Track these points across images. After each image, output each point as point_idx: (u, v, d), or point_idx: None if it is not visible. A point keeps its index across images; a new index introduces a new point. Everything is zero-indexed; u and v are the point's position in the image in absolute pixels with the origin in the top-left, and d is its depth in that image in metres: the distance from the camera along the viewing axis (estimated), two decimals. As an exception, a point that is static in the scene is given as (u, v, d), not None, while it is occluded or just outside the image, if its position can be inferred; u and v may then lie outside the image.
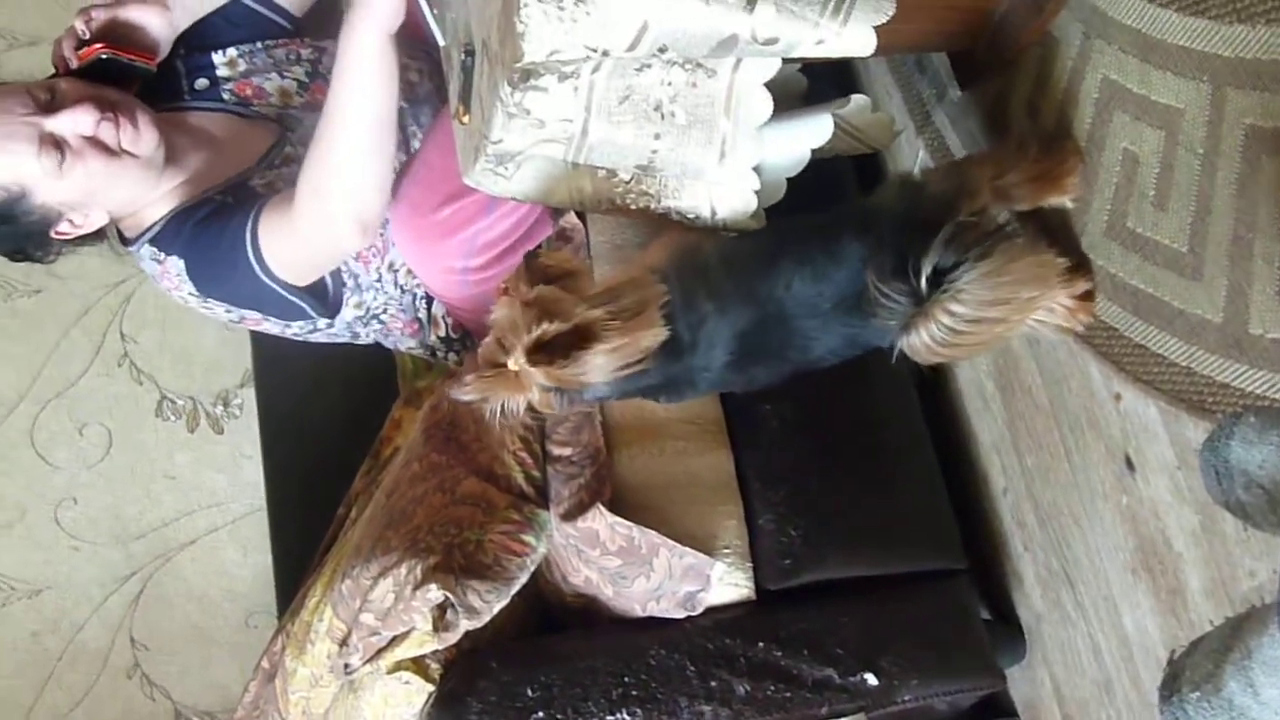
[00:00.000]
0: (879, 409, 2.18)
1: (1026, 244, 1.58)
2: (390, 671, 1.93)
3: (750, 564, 2.04)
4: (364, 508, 2.18)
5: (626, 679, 1.92)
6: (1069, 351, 1.83)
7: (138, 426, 3.03)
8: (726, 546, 2.01)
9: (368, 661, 1.92)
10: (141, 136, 1.95)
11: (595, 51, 1.38)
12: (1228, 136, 1.42)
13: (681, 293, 1.52)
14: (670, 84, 1.49)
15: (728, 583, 2.00)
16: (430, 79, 2.30)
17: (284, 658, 2.08)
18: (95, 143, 1.92)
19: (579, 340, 1.40)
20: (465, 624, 1.86)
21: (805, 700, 1.93)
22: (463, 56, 1.62)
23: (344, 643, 1.96)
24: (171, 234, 2.08)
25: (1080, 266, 1.69)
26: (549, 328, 1.38)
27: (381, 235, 2.19)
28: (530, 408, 1.48)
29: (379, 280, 2.22)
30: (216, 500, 3.03)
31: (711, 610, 2.00)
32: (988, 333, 1.53)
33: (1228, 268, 1.45)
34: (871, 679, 1.95)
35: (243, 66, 2.19)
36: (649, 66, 1.46)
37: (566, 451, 2.01)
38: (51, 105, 1.91)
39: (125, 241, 2.13)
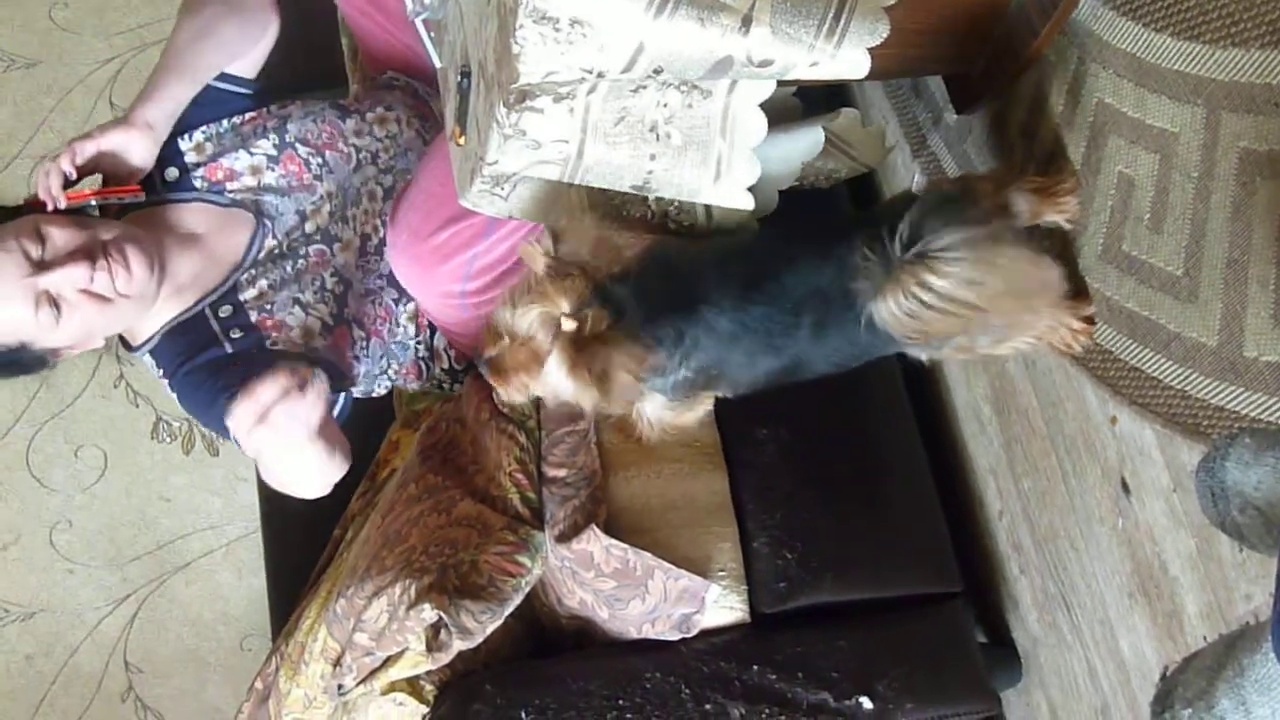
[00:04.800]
0: (875, 432, 2.18)
1: (1027, 242, 1.56)
2: (384, 693, 1.93)
3: (745, 587, 2.04)
4: (360, 529, 2.18)
5: (621, 702, 1.92)
6: (1065, 374, 1.83)
7: (133, 449, 3.02)
8: (722, 569, 2.01)
9: (361, 682, 1.91)
10: (135, 277, 1.93)
11: (591, 73, 1.38)
12: (1222, 160, 1.42)
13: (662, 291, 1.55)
14: (666, 105, 1.49)
15: (723, 606, 2.00)
16: (409, 124, 2.31)
17: (278, 679, 2.07)
18: (90, 294, 1.91)
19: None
20: (458, 644, 1.85)
21: (800, 724, 1.93)
22: (459, 78, 1.63)
23: (338, 663, 1.96)
24: (169, 358, 2.08)
25: (1082, 291, 1.69)
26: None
27: (385, 306, 2.22)
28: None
29: (383, 356, 2.24)
30: (212, 523, 3.02)
31: (706, 633, 2.00)
32: (962, 317, 1.49)
33: (1223, 291, 1.45)
34: (867, 703, 1.94)
35: (210, 149, 2.14)
36: (645, 88, 1.47)
37: (562, 473, 2.01)
38: (44, 261, 1.88)
39: (127, 347, 2.14)
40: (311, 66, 2.46)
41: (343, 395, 2.08)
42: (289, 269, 2.12)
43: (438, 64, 1.81)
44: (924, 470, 2.21)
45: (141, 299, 1.97)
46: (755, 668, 1.96)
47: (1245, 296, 1.41)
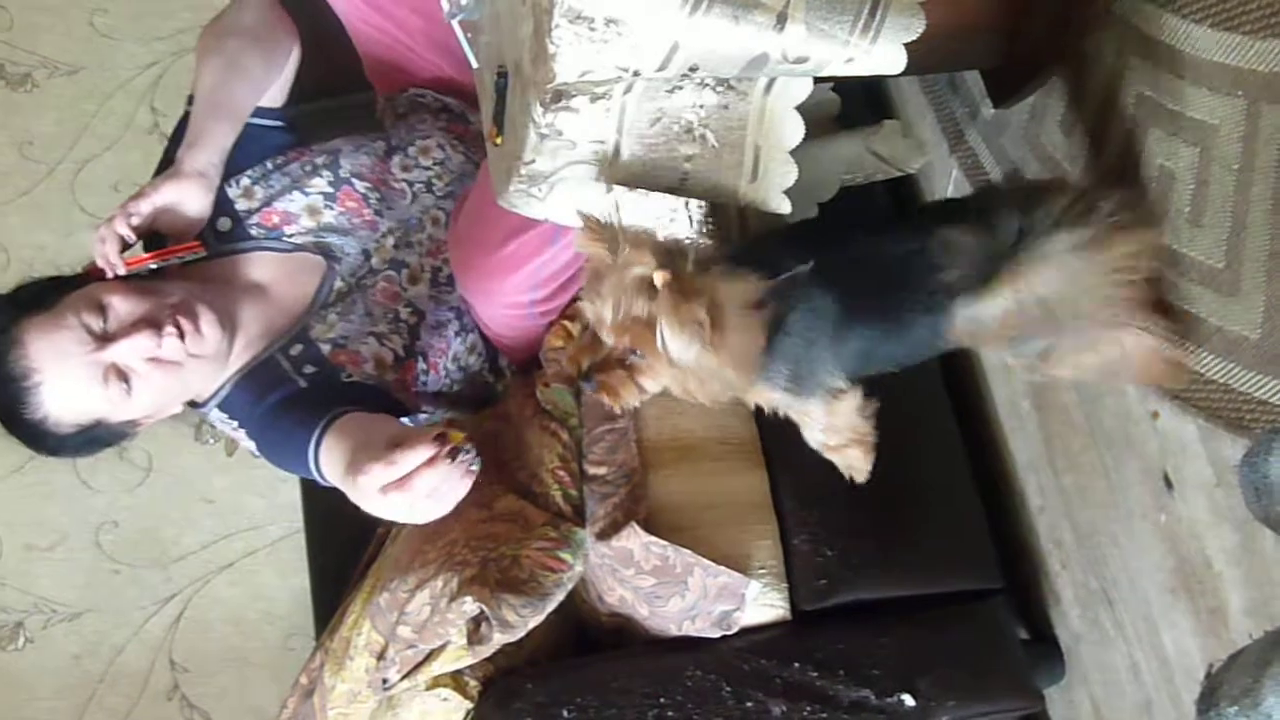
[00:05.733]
0: (914, 428, 2.17)
1: (1130, 228, 1.50)
2: (429, 688, 1.94)
3: (785, 584, 2.04)
4: (404, 525, 2.19)
5: (662, 700, 1.92)
6: (1105, 369, 1.82)
7: (177, 450, 3.04)
8: (761, 567, 2.01)
9: (405, 676, 1.92)
10: (205, 337, 1.88)
11: (626, 72, 1.39)
12: (1262, 152, 1.41)
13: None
14: (702, 106, 1.49)
15: (762, 603, 2.00)
16: (453, 147, 2.26)
17: (322, 674, 2.09)
18: (159, 361, 1.85)
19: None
20: (499, 637, 1.85)
21: (841, 722, 1.92)
22: (496, 79, 1.63)
23: (381, 656, 1.96)
24: (241, 404, 2.02)
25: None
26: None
27: (446, 339, 2.18)
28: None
29: (446, 377, 2.20)
30: (255, 523, 3.04)
31: (746, 631, 2.00)
32: (1059, 320, 1.45)
33: (1264, 283, 1.44)
34: (908, 700, 1.94)
35: (260, 194, 2.07)
36: (680, 88, 1.47)
37: (602, 471, 2.01)
38: (107, 334, 1.82)
39: (194, 405, 2.06)
40: (329, 71, 2.40)
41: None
42: (360, 304, 2.09)
43: (474, 65, 1.82)
44: (963, 466, 2.20)
45: (215, 359, 1.92)
46: (796, 665, 1.95)
47: (1287, 289, 1.40)
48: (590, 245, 1.42)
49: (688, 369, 1.37)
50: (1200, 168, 1.52)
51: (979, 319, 1.48)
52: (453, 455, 1.51)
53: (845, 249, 1.52)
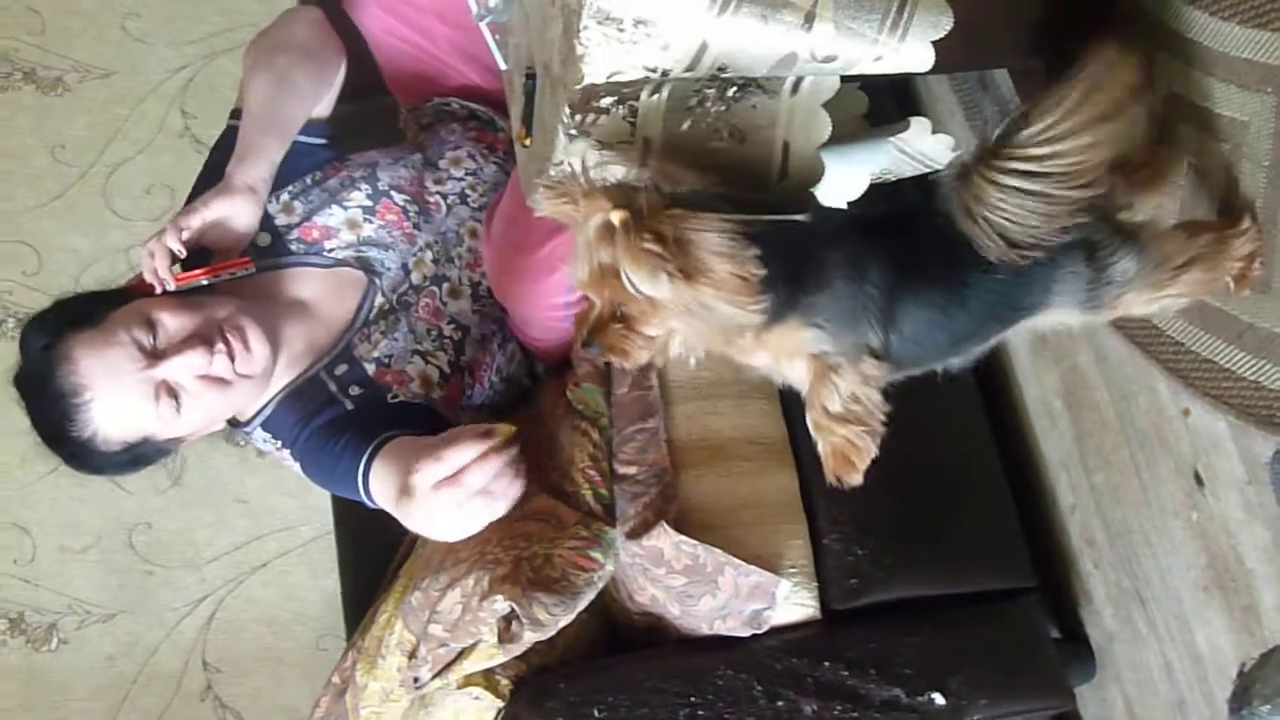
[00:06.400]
0: (946, 427, 2.17)
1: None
2: (461, 687, 1.95)
3: (816, 583, 2.04)
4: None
5: (693, 699, 1.92)
6: (1136, 368, 1.81)
7: (209, 451, 3.06)
8: (792, 566, 2.01)
9: (436, 675, 1.92)
10: (254, 355, 1.86)
11: (655, 73, 1.39)
12: (1293, 148, 1.41)
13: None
14: (730, 105, 1.49)
15: (793, 602, 2.00)
16: (484, 157, 2.25)
17: (355, 673, 2.10)
18: (209, 379, 1.83)
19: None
20: (530, 636, 1.86)
21: (872, 720, 1.92)
22: (525, 80, 1.64)
23: (413, 655, 1.97)
24: (286, 425, 2.01)
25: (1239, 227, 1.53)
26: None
27: (490, 353, 2.17)
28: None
29: (490, 389, 2.19)
30: (287, 524, 3.05)
31: (778, 630, 2.00)
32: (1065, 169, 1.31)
33: (1296, 280, 1.44)
34: (939, 699, 1.94)
35: (300, 209, 2.05)
36: (709, 87, 1.47)
37: (632, 470, 2.02)
38: (158, 350, 1.80)
39: (235, 424, 2.04)
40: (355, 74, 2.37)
41: None
42: (403, 322, 2.08)
43: (503, 66, 1.83)
44: (995, 465, 2.20)
45: (262, 377, 1.91)
46: (827, 664, 1.96)
47: (1319, 285, 1.40)
48: (554, 207, 1.39)
49: (680, 305, 1.30)
50: (1231, 165, 1.52)
51: (972, 231, 1.37)
52: (503, 449, 1.52)
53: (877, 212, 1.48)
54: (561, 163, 1.52)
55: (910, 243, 1.45)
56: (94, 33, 3.42)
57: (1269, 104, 1.43)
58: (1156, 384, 1.78)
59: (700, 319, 1.32)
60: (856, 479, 1.42)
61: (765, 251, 1.30)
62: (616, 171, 1.51)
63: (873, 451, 1.42)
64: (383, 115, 2.46)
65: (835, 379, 1.39)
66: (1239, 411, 1.57)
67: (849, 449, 1.42)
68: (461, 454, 1.51)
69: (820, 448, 1.44)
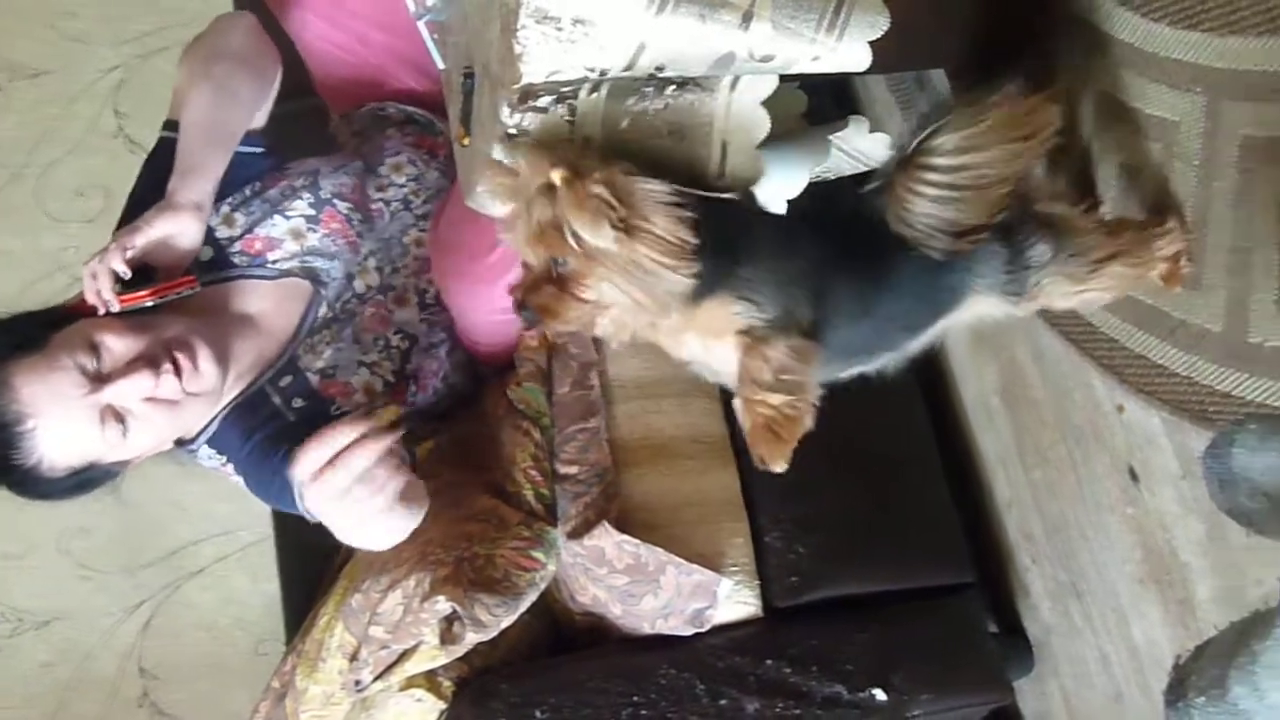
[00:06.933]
0: (885, 424, 2.19)
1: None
2: (403, 689, 1.94)
3: (758, 581, 2.05)
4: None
5: (636, 699, 1.92)
6: (1072, 364, 1.83)
7: (146, 456, 3.03)
8: (734, 564, 2.02)
9: (378, 678, 1.91)
10: (203, 374, 1.81)
11: (594, 72, 1.39)
12: (1224, 148, 1.43)
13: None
14: (669, 104, 1.50)
15: (736, 600, 2.01)
16: (425, 163, 2.22)
17: (295, 677, 2.08)
18: (157, 401, 1.78)
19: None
20: (472, 636, 1.85)
21: (815, 717, 1.93)
22: (463, 79, 1.63)
23: (354, 658, 1.96)
24: (230, 440, 1.96)
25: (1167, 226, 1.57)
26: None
27: (439, 359, 2.16)
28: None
29: (434, 395, 2.17)
30: (225, 528, 3.02)
31: (720, 629, 2.01)
32: (975, 189, 1.38)
33: (1226, 277, 1.46)
34: (880, 695, 1.95)
35: (241, 221, 2.00)
36: (648, 86, 1.47)
37: (574, 470, 2.01)
38: (102, 374, 1.75)
39: (180, 444, 1.97)
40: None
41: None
42: (348, 331, 2.05)
43: (441, 66, 1.82)
44: (934, 461, 2.22)
45: (211, 395, 1.87)
46: (769, 662, 1.96)
47: (1249, 283, 1.42)
48: (498, 185, 1.40)
49: (617, 262, 1.29)
50: (1162, 164, 1.54)
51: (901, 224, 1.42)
52: (383, 433, 1.47)
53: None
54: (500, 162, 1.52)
55: (838, 226, 1.49)
56: (25, 31, 3.37)
57: (1199, 104, 1.45)
58: (1092, 380, 1.80)
59: (633, 281, 1.31)
60: (782, 461, 1.38)
61: (699, 221, 1.31)
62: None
63: (806, 425, 1.37)
64: (311, 117, 2.42)
65: (766, 350, 1.37)
66: (1172, 407, 1.59)
67: (779, 422, 1.37)
68: (337, 437, 1.46)
69: (745, 424, 1.40)
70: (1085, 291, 1.54)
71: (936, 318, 1.54)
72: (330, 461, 1.46)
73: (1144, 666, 1.84)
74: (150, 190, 1.90)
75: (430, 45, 1.82)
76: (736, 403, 1.41)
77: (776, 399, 1.36)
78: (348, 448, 1.46)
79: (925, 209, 1.39)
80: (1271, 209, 1.37)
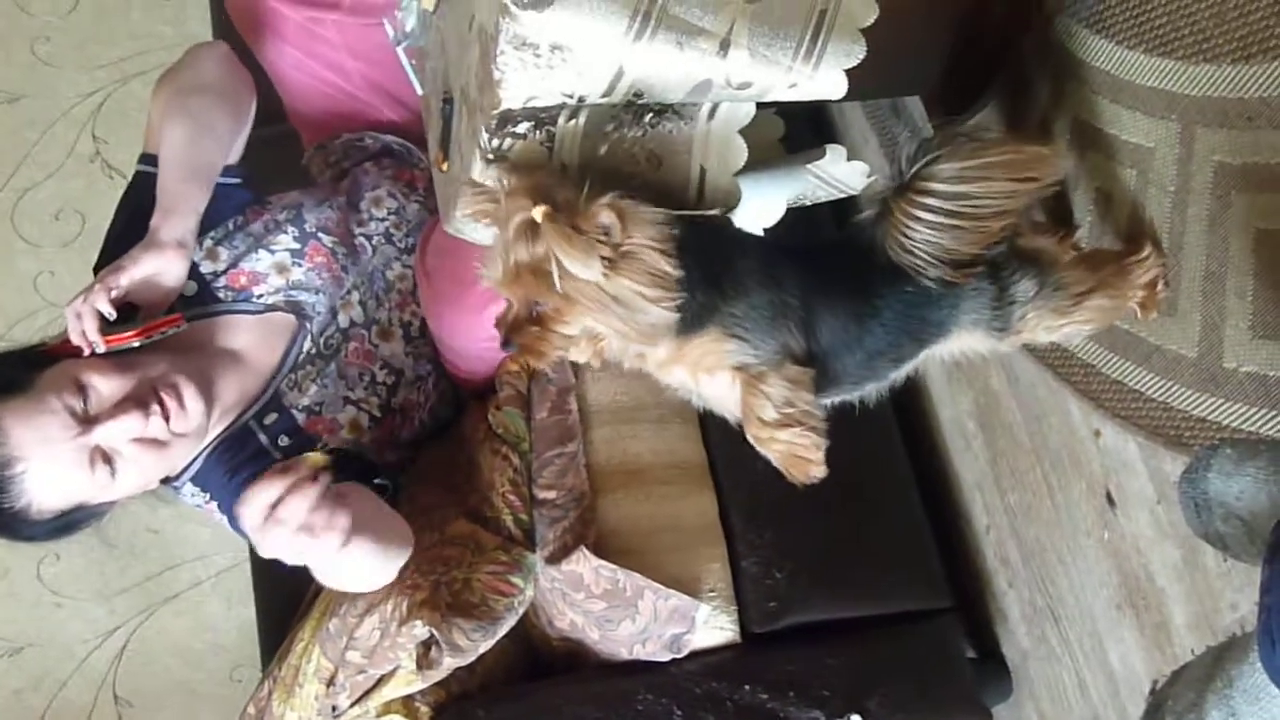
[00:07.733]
0: (862, 450, 2.18)
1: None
2: (380, 714, 1.93)
3: (735, 607, 2.04)
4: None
5: (614, 724, 1.92)
6: (1048, 389, 1.84)
7: (121, 480, 3.01)
8: (711, 590, 2.02)
9: (355, 703, 1.91)
10: (190, 413, 1.79)
11: (572, 98, 1.39)
12: (1198, 174, 1.44)
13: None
14: (646, 132, 1.50)
15: (713, 626, 2.00)
16: (405, 195, 2.20)
17: (271, 702, 2.07)
18: (145, 441, 1.76)
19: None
20: (449, 661, 1.85)
21: (792, 743, 1.93)
22: (442, 104, 1.64)
23: (330, 682, 1.95)
24: (213, 478, 1.94)
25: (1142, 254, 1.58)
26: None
27: (426, 392, 2.15)
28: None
29: (420, 426, 2.16)
30: (200, 553, 3.01)
31: (697, 654, 2.00)
32: (970, 220, 1.39)
33: (1201, 303, 1.47)
34: (858, 720, 1.95)
35: (225, 255, 1.97)
36: (626, 113, 1.48)
37: (551, 495, 2.01)
38: (89, 415, 1.72)
39: (164, 481, 1.94)
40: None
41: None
42: (332, 367, 2.03)
43: (420, 91, 1.82)
44: (911, 487, 2.22)
45: (197, 433, 1.84)
46: (747, 687, 1.96)
47: (1223, 308, 1.43)
48: (477, 209, 1.41)
49: (598, 300, 1.29)
50: (1137, 190, 1.55)
51: (897, 252, 1.43)
52: (310, 481, 1.45)
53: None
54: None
55: (822, 258, 1.50)
56: (3, 56, 3.37)
57: (1173, 130, 1.46)
58: (1068, 405, 1.80)
59: (614, 316, 1.31)
60: (819, 470, 1.41)
61: (683, 252, 1.31)
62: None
63: (822, 446, 1.39)
64: (281, 144, 2.40)
65: (764, 387, 1.38)
66: (1148, 432, 1.60)
67: (797, 451, 1.40)
68: (264, 493, 1.44)
69: (771, 459, 1.42)
70: (1068, 325, 1.56)
71: (921, 350, 1.55)
72: (267, 518, 1.45)
73: (1121, 691, 1.84)
74: (128, 226, 1.89)
75: (409, 71, 1.82)
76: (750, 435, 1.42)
77: (785, 435, 1.38)
78: (280, 501, 1.45)
79: (923, 234, 1.39)
80: (1245, 235, 1.38)
